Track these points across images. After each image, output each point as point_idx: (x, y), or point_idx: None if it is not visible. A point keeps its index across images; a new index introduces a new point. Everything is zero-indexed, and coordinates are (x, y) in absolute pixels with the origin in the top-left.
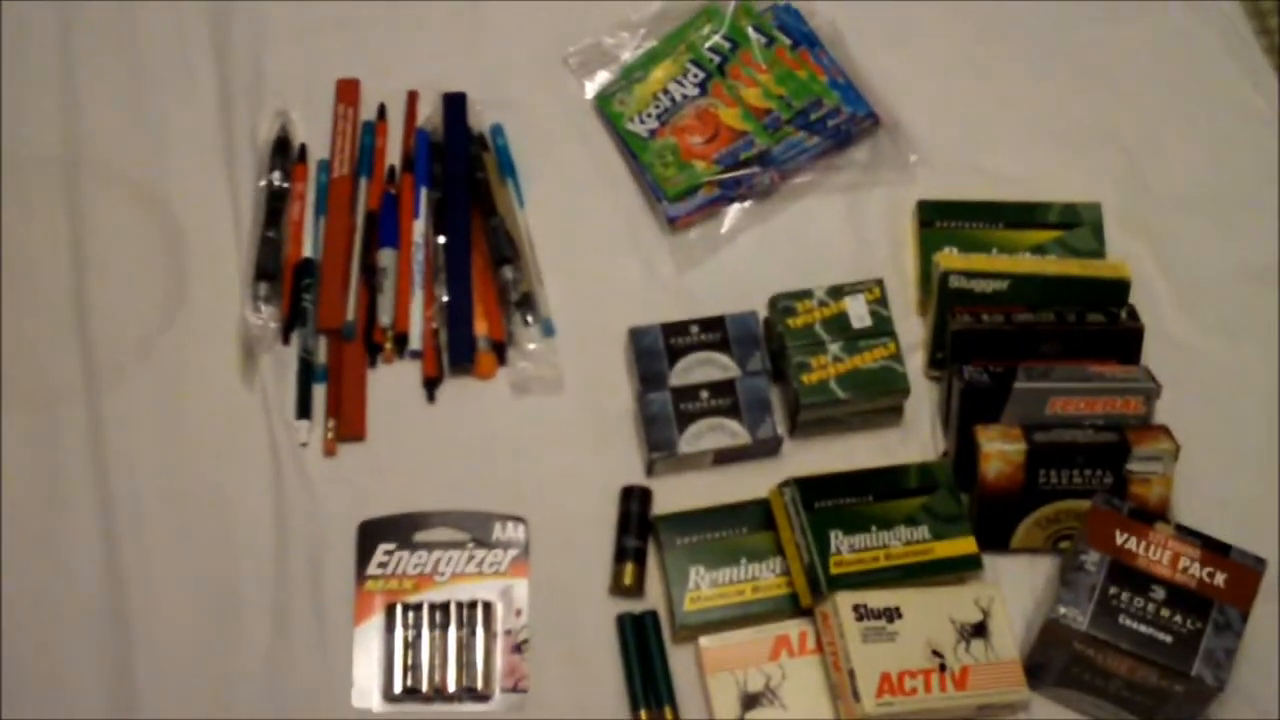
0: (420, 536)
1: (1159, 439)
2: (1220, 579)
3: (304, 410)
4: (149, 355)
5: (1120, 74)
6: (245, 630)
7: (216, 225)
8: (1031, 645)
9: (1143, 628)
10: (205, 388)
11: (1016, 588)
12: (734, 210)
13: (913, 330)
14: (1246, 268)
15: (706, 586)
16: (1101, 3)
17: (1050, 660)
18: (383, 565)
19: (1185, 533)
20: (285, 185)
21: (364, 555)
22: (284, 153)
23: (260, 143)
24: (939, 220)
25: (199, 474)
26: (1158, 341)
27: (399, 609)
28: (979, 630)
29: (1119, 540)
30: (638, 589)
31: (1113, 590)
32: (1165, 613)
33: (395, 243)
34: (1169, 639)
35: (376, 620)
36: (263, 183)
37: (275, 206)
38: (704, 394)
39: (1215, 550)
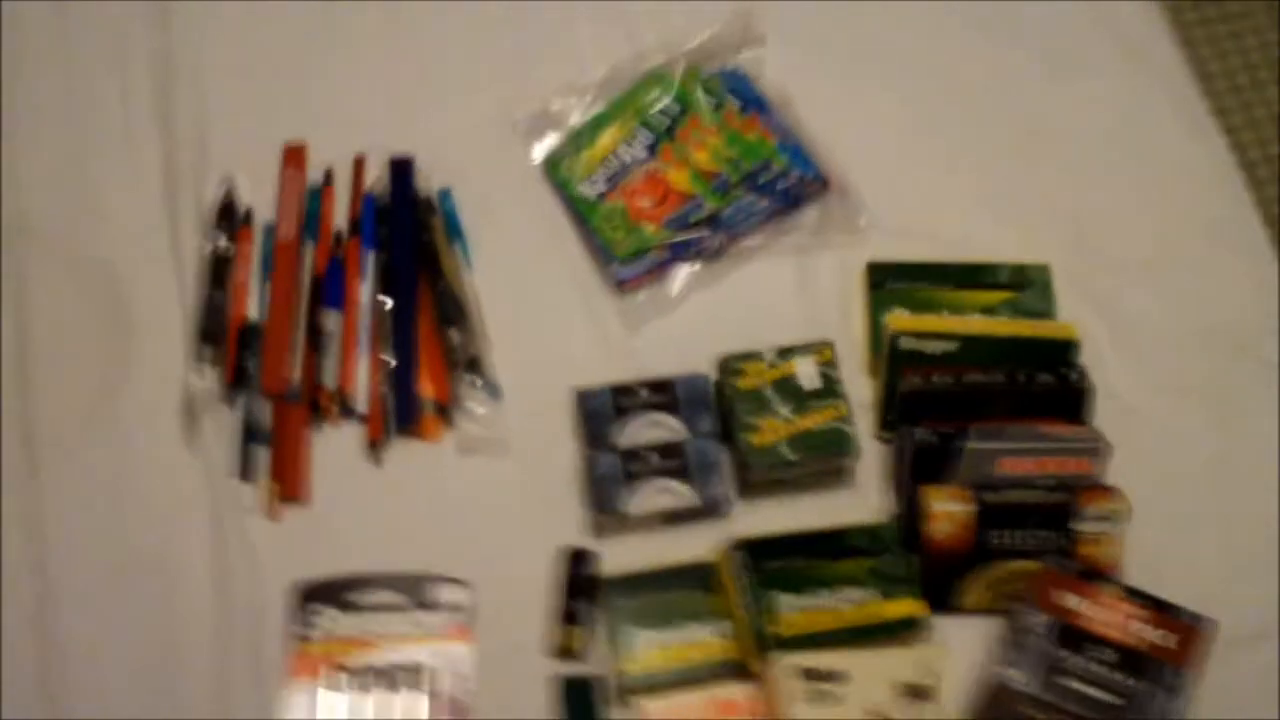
0: (360, 599)
1: (1109, 499)
2: (1170, 640)
3: (246, 473)
4: (91, 422)
5: (1067, 135)
6: (184, 695)
7: (160, 289)
8: (978, 708)
9: (1091, 690)
10: (148, 451)
11: (964, 649)
12: (683, 272)
13: (863, 391)
14: (1193, 329)
15: (652, 648)
16: (1048, 65)
17: None
18: (322, 628)
19: (1134, 594)
20: (230, 249)
21: (303, 618)
22: (229, 217)
23: (205, 207)
24: (889, 281)
25: (139, 538)
26: (1107, 402)
27: (339, 673)
28: (925, 693)
29: (1067, 602)
30: (582, 652)
31: (1061, 653)
32: (1113, 675)
33: (340, 305)
34: (1118, 701)
35: (316, 684)
36: (208, 247)
37: (220, 270)
38: (652, 456)
39: (1165, 611)
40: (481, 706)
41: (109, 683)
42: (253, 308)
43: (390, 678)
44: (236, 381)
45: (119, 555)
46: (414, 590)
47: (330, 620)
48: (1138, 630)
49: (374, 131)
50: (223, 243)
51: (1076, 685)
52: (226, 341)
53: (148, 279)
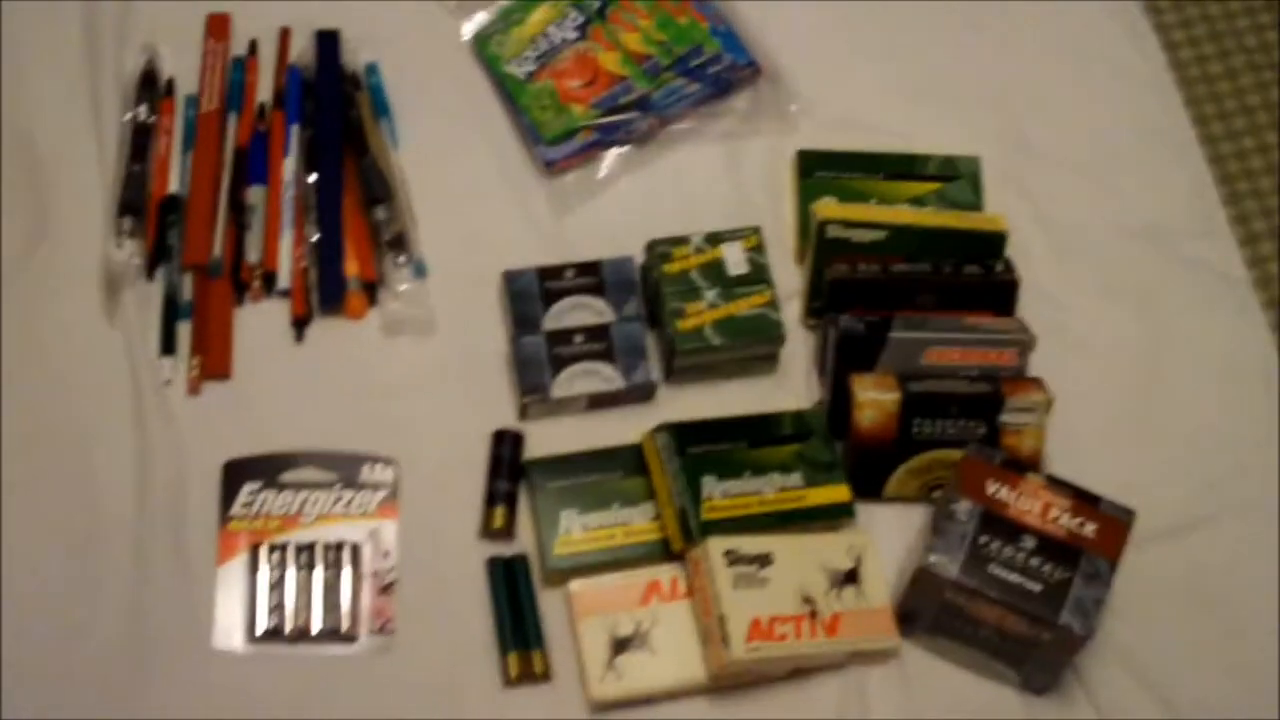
0: (287, 476)
1: (1032, 391)
2: (1090, 529)
3: (168, 347)
4: (8, 291)
5: (1003, 31)
6: (105, 571)
7: (80, 160)
8: (903, 593)
9: (1012, 576)
10: (66, 324)
11: (889, 536)
12: (612, 155)
13: (790, 279)
14: (1122, 227)
15: (578, 530)
16: None
17: (921, 608)
18: (247, 505)
19: (1056, 483)
20: (151, 120)
21: (228, 495)
22: (151, 87)
23: (126, 77)
24: (818, 170)
25: (59, 412)
26: (1032, 295)
27: (264, 549)
28: (850, 578)
29: (990, 490)
30: (508, 532)
31: (983, 539)
32: (1035, 562)
33: (265, 180)
34: (1038, 588)
35: (240, 560)
36: (128, 117)
37: (141, 141)
38: (578, 338)
39: (1086, 501)
40: (408, 585)
41: (27, 558)
42: (174, 181)
43: (315, 554)
44: (157, 255)
45: (36, 428)
46: (343, 468)
47: (257, 497)
48: (1059, 519)
49: (300, 5)
50: (144, 114)
51: (999, 571)
52: (147, 214)
53: (67, 149)
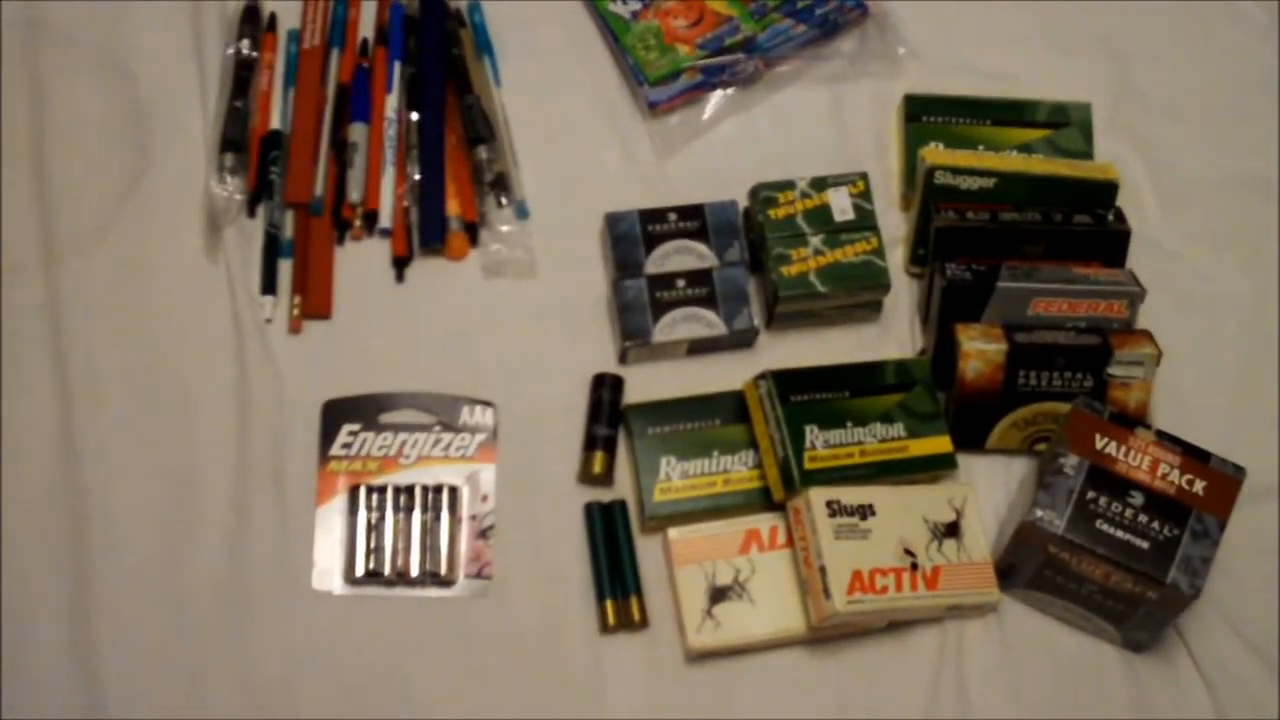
0: (386, 418)
1: (1141, 343)
2: (1199, 486)
3: (269, 286)
4: (110, 227)
5: None
6: (205, 510)
7: (182, 94)
8: (1005, 547)
9: (1119, 533)
10: (167, 261)
11: (990, 489)
12: (716, 97)
13: (895, 225)
14: (1235, 177)
15: (677, 477)
16: None
17: (1023, 562)
18: (347, 446)
19: (1165, 439)
20: (254, 55)
21: (328, 436)
22: (253, 21)
23: (229, 11)
24: (925, 115)
25: (159, 350)
26: (1143, 246)
27: (362, 491)
28: (952, 530)
29: (1099, 444)
30: (607, 478)
31: (1090, 494)
32: (1143, 519)
33: (367, 118)
34: (1145, 545)
35: (339, 502)
36: (230, 51)
37: (243, 76)
38: (680, 283)
39: (1195, 457)
40: (506, 530)
41: (128, 493)
42: (276, 118)
43: (414, 497)
44: (259, 192)
45: (138, 363)
46: (443, 410)
47: (356, 438)
48: (1167, 475)
49: None
50: (246, 49)
51: (1104, 527)
52: (249, 151)
53: (169, 84)
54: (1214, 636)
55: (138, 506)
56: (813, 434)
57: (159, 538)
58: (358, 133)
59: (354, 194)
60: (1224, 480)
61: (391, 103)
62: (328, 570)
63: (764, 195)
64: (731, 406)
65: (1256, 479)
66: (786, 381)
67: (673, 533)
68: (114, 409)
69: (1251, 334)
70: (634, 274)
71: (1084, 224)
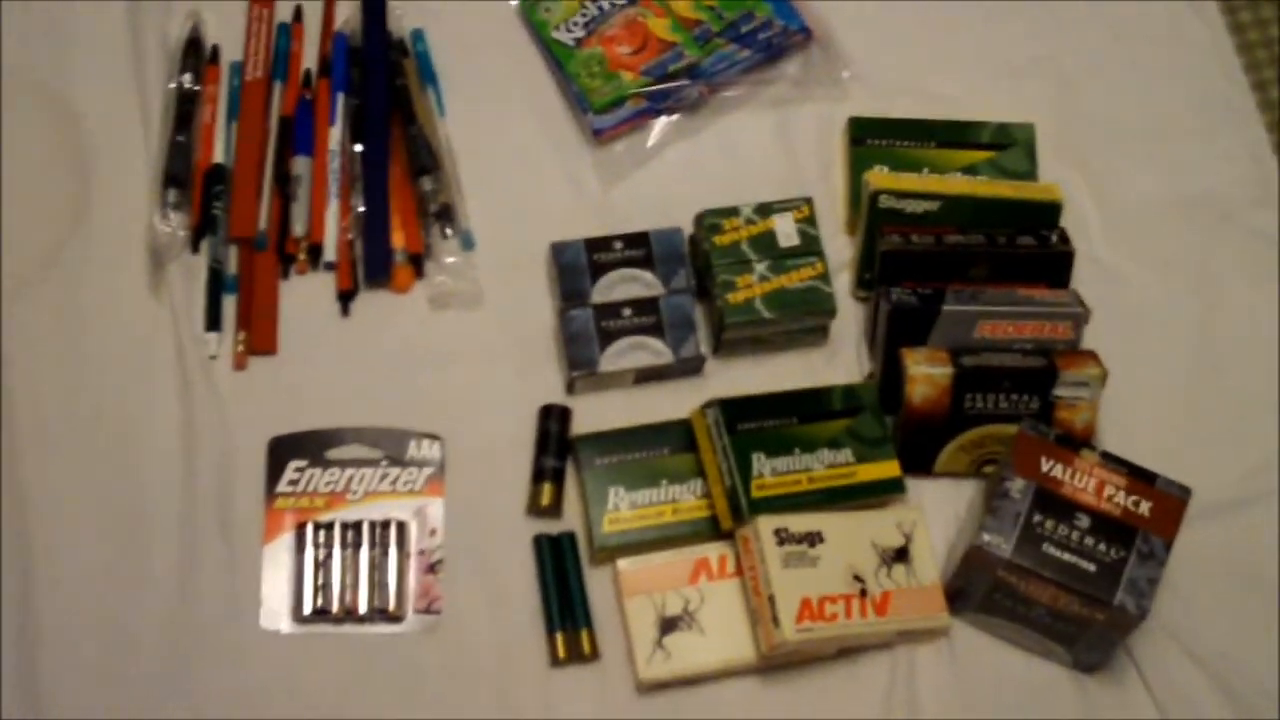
0: (333, 454)
1: (1086, 364)
2: (1145, 507)
3: (213, 322)
4: (53, 264)
5: None
6: (151, 549)
7: (124, 128)
8: (954, 571)
9: (1066, 556)
10: (111, 297)
11: (940, 512)
12: (661, 123)
13: (841, 250)
14: (1179, 197)
15: (625, 508)
16: None
17: (972, 586)
18: (294, 483)
19: (1111, 460)
20: (196, 88)
21: (274, 472)
22: (196, 54)
23: (171, 43)
24: (870, 138)
25: (103, 388)
26: (1087, 266)
27: (310, 528)
28: (901, 555)
29: (1044, 467)
30: (555, 509)
31: (1037, 518)
32: (1089, 541)
33: (310, 150)
34: (1092, 567)
35: (286, 539)
36: (173, 85)
37: (185, 110)
38: (626, 311)
39: (1141, 478)
40: (455, 564)
41: (74, 534)
42: (219, 151)
43: (361, 533)
44: (202, 227)
45: (83, 401)
46: (389, 445)
47: (303, 474)
48: (1113, 496)
49: None
50: (189, 82)
51: (1051, 551)
52: (192, 185)
53: (111, 119)
54: (1164, 656)
55: (84, 546)
56: (760, 462)
57: (105, 577)
58: (301, 166)
59: (298, 228)
60: (1169, 501)
61: (335, 135)
62: (276, 609)
63: (709, 222)
64: (679, 435)
65: (1204, 498)
66: (733, 409)
67: (622, 564)
68: (59, 448)
69: (1197, 353)
70: (580, 303)
71: (1028, 246)
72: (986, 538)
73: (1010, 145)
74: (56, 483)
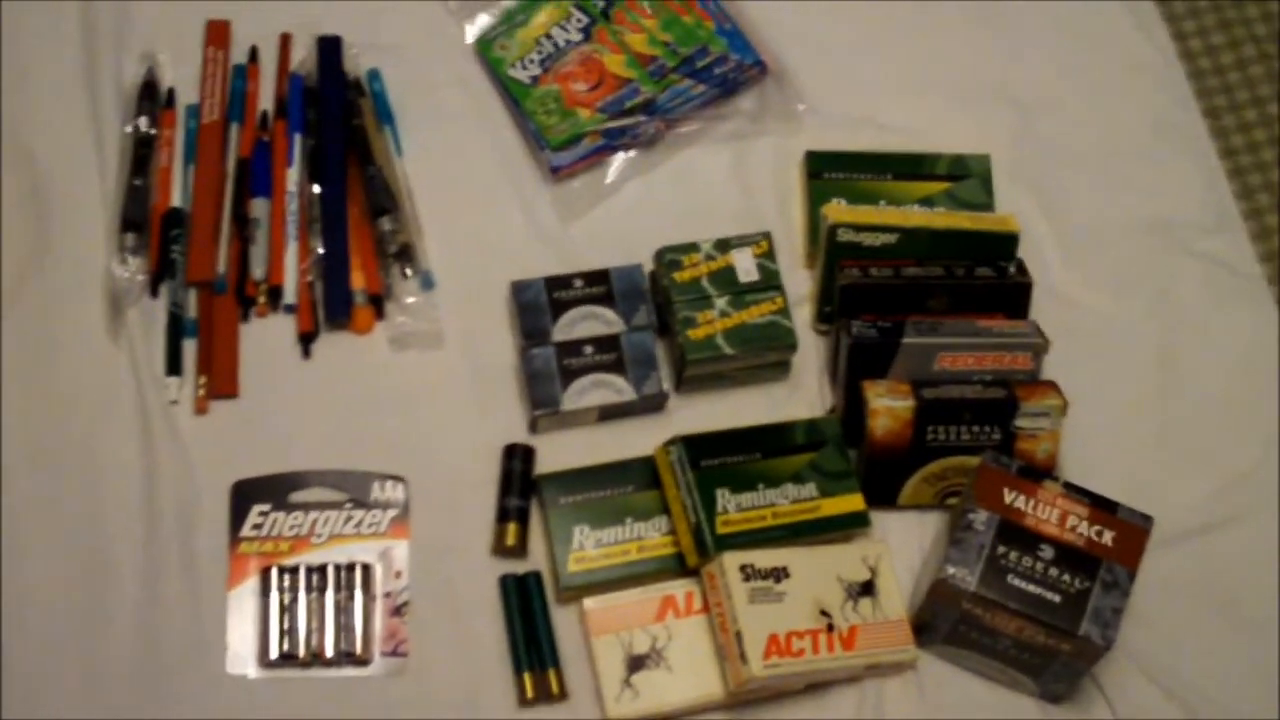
0: (296, 497)
1: (1047, 395)
2: (1108, 537)
3: (174, 367)
4: (9, 309)
5: (1011, 26)
6: (114, 595)
7: (80, 173)
8: (920, 604)
9: (1031, 587)
10: (69, 343)
11: (904, 545)
12: (619, 160)
13: (800, 283)
14: (1136, 223)
15: (591, 546)
16: None
17: (938, 619)
18: (258, 527)
19: (1073, 490)
20: (152, 131)
21: (238, 517)
22: (151, 97)
23: (126, 87)
24: (827, 171)
25: (64, 433)
26: (1046, 296)
27: (274, 572)
28: (867, 589)
29: (1007, 499)
30: (521, 549)
31: (1001, 549)
32: (1053, 572)
33: (268, 192)
34: (1057, 598)
35: (251, 584)
36: (129, 129)
37: (142, 154)
38: (588, 349)
39: (1103, 508)
40: (421, 605)
41: (34, 582)
42: (177, 194)
43: (326, 576)
44: (161, 271)
45: (44, 447)
46: (353, 487)
47: (267, 519)
48: (1076, 527)
49: (300, 8)
50: (145, 125)
51: (1016, 582)
52: (150, 229)
53: (67, 163)
54: (1130, 684)
55: (47, 592)
56: (724, 498)
57: (69, 623)
58: (259, 208)
59: (257, 270)
60: (1132, 530)
61: (293, 176)
62: (242, 654)
63: (669, 258)
64: (643, 473)
65: (1167, 525)
66: (697, 446)
67: (588, 602)
68: (20, 494)
69: (1157, 380)
70: (541, 342)
71: (986, 277)
72: (951, 570)
73: (966, 176)
74: (18, 527)
